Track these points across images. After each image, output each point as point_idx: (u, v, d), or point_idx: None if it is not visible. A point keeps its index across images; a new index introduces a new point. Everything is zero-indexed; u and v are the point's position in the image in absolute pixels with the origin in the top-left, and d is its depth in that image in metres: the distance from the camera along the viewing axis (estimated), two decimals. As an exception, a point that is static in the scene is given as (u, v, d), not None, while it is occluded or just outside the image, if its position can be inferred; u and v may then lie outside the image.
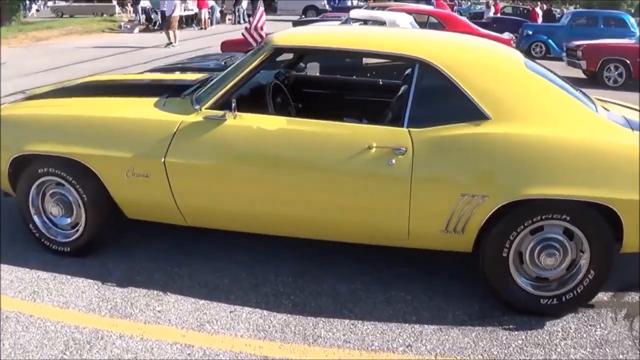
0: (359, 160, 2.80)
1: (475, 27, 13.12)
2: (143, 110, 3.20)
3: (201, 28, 20.67)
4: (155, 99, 3.34)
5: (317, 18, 16.13)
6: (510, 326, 2.83)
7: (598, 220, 2.71)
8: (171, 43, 15.33)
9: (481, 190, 2.71)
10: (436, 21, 12.31)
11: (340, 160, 2.83)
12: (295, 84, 3.96)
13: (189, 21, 20.98)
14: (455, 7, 26.35)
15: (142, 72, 4.66)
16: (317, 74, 4.70)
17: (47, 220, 3.41)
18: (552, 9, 24.06)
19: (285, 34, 3.27)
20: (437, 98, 2.88)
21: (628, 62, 11.01)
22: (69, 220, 3.37)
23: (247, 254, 3.48)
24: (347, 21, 9.16)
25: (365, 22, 8.85)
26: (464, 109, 2.77)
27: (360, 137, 2.83)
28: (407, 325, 2.84)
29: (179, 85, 3.64)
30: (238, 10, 23.02)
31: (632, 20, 16.50)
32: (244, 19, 23.33)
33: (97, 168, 3.11)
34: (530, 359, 2.60)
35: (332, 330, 2.79)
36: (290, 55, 4.02)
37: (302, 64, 4.30)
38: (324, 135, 2.89)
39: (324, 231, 3.08)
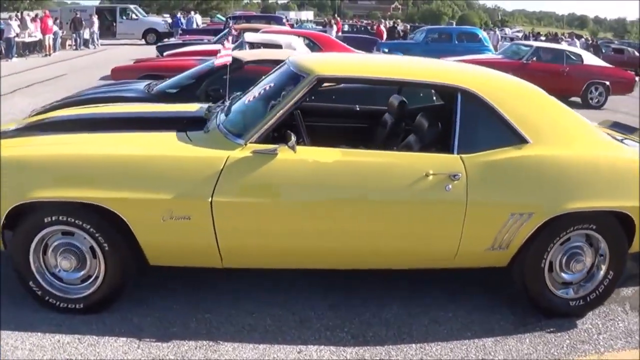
0: (417, 188, 2.94)
1: (350, 48, 13.85)
2: (172, 147, 2.98)
3: (45, 55, 19.15)
4: (172, 134, 3.13)
5: (180, 42, 15.62)
6: (551, 329, 3.16)
7: (616, 227, 3.17)
8: None
9: (528, 209, 3.01)
10: (313, 43, 12.76)
11: (400, 189, 2.94)
12: None
13: (32, 48, 19.36)
14: (294, 26, 27.03)
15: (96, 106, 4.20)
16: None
17: (50, 276, 2.98)
18: (396, 26, 25.94)
19: (327, 63, 3.28)
20: (480, 124, 3.12)
21: None
22: (79, 274, 2.99)
23: (267, 291, 3.38)
24: (241, 45, 9.13)
25: (260, 45, 8.90)
26: (507, 134, 3.07)
27: (416, 165, 2.97)
28: (467, 341, 3.03)
29: (184, 118, 3.45)
30: (78, 36, 21.80)
31: (483, 34, 18.30)
32: (87, 44, 22.20)
33: (126, 213, 2.82)
34: (585, 356, 2.94)
35: (407, 357, 2.86)
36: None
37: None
38: (382, 165, 2.97)
39: (373, 260, 3.15)
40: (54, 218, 2.85)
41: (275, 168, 2.86)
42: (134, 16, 26.69)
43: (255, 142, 2.92)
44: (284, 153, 2.87)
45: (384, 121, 3.95)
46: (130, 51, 19.55)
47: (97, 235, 2.88)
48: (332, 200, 2.93)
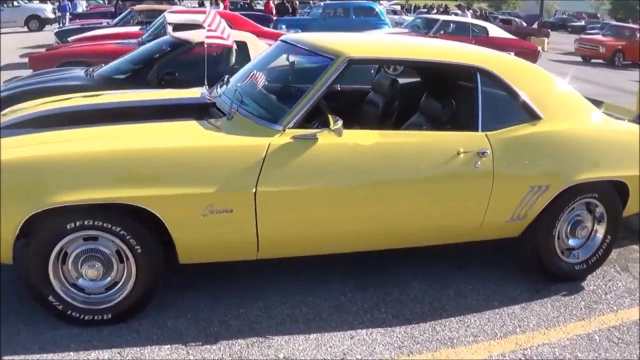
0: (451, 166, 3.03)
1: (259, 26, 13.63)
2: (202, 136, 2.81)
3: None
4: (191, 122, 2.96)
5: (78, 26, 14.34)
6: (564, 293, 3.43)
7: (613, 194, 3.48)
8: None
9: (545, 181, 3.22)
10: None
11: (435, 168, 3.02)
12: None
13: None
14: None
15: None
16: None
17: (71, 288, 2.71)
18: (285, 2, 25.50)
19: (357, 45, 3.23)
20: (499, 102, 3.26)
21: None
22: (104, 282, 2.75)
23: (287, 280, 3.32)
24: (162, 25, 8.71)
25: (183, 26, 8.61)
26: (523, 111, 3.25)
27: (448, 144, 3.06)
28: (498, 310, 3.21)
29: (191, 105, 3.26)
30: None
31: (380, 8, 18.67)
32: None
33: (162, 211, 2.63)
34: (602, 314, 3.23)
35: (452, 330, 2.98)
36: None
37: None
38: (418, 145, 3.03)
39: (409, 239, 3.22)
40: (77, 223, 2.58)
41: (317, 153, 2.80)
42: (15, 3, 24.37)
43: (292, 127, 2.83)
44: (323, 137, 2.81)
45: (371, 100, 3.96)
46: (18, 40, 17.59)
47: (127, 237, 2.66)
48: (374, 183, 2.94)
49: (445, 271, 3.57)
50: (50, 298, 2.68)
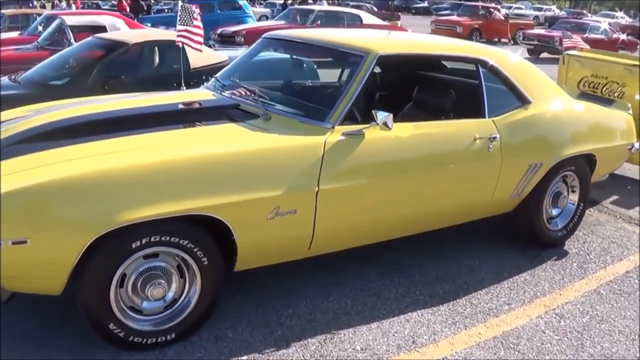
0: (471, 150, 3.34)
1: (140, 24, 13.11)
2: (255, 139, 2.79)
3: None
4: (231, 125, 2.93)
5: None
6: (555, 257, 3.90)
7: (585, 165, 4.02)
8: None
9: (540, 159, 3.64)
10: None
11: (460, 153, 3.31)
12: None
13: None
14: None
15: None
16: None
17: (129, 311, 2.58)
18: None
19: (385, 42, 3.38)
20: (497, 90, 3.60)
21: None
22: (165, 301, 2.65)
23: (310, 277, 3.38)
24: (62, 27, 8.14)
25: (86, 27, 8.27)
26: (517, 97, 3.64)
27: (467, 131, 3.35)
28: (512, 279, 3.58)
29: (214, 107, 3.19)
30: None
31: (244, 2, 18.63)
32: None
33: (230, 218, 2.59)
34: (595, 271, 3.74)
35: (487, 302, 3.28)
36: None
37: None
38: (445, 134, 3.28)
39: (439, 220, 3.48)
40: (144, 241, 2.45)
41: (366, 147, 2.93)
42: None
43: (339, 124, 2.92)
44: (368, 132, 2.94)
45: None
46: None
47: (195, 249, 2.58)
48: (414, 170, 3.15)
49: (450, 251, 3.86)
50: (111, 326, 2.51)
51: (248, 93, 3.32)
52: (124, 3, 23.19)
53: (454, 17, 23.38)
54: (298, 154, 2.76)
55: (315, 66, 5.72)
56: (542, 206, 3.86)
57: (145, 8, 21.93)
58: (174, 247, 2.54)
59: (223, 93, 3.43)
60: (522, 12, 33.37)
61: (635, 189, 5.41)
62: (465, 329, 3.01)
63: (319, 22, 15.27)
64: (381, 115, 2.88)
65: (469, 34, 21.32)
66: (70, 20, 8.08)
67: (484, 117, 3.47)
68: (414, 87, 3.80)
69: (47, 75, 5.21)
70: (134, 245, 2.44)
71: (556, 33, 18.80)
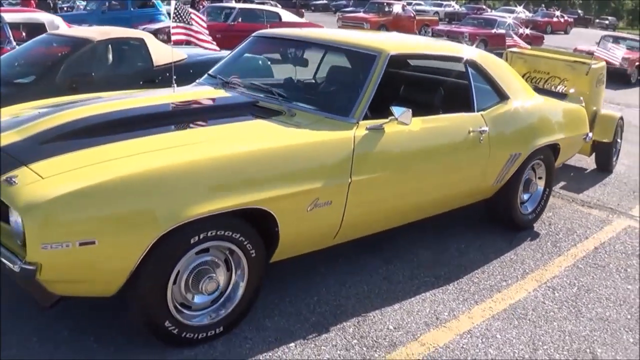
0: (468, 142, 3.70)
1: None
2: (290, 135, 2.95)
3: None
4: (261, 121, 3.08)
5: None
6: (529, 238, 4.37)
7: (550, 154, 4.52)
8: None
9: (518, 149, 4.07)
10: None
11: (460, 144, 3.67)
12: None
13: None
14: None
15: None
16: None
17: (181, 307, 2.67)
18: None
19: (394, 43, 3.61)
20: (481, 87, 3.97)
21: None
22: (213, 294, 2.75)
23: (317, 267, 3.56)
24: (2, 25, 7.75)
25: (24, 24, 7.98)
26: (497, 93, 4.05)
27: (463, 124, 3.70)
28: (500, 259, 3.98)
29: (235, 104, 3.30)
30: None
31: (157, 0, 18.37)
32: None
33: (278, 210, 2.74)
34: (568, 249, 4.23)
35: (486, 280, 3.65)
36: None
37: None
38: (446, 127, 3.61)
39: (440, 206, 3.82)
40: (201, 236, 2.54)
41: (387, 140, 3.18)
42: None
43: (362, 119, 3.14)
44: (387, 126, 3.19)
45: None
46: None
47: (245, 242, 2.71)
48: (427, 161, 3.46)
49: (436, 237, 4.20)
50: (167, 323, 2.58)
51: (260, 89, 3.47)
52: (31, 0, 22.01)
53: (361, 14, 23.94)
54: (333, 147, 2.96)
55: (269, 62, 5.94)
56: (518, 192, 4.30)
57: (52, 6, 21.03)
58: (227, 241, 2.65)
59: (233, 90, 3.54)
60: (422, 8, 34.68)
61: (577, 175, 6.08)
62: (477, 304, 3.34)
63: (240, 20, 15.39)
64: (400, 111, 3.13)
65: (377, 30, 22.08)
66: (9, 17, 7.68)
67: (474, 111, 3.83)
68: (411, 84, 4.10)
69: (9, 74, 4.99)
70: (192, 240, 2.52)
71: (465, 29, 20.04)
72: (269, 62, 6.01)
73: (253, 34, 4.15)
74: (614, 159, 6.31)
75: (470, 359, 2.83)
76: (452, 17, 34.27)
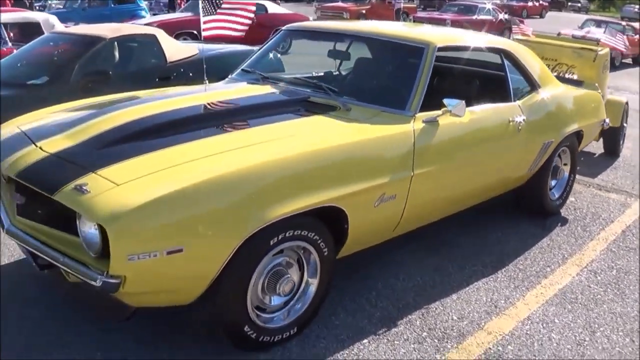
0: (509, 131, 3.80)
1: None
2: (352, 130, 2.98)
3: None
4: (317, 117, 3.11)
5: None
6: (560, 223, 4.50)
7: (575, 141, 4.65)
8: None
9: (550, 137, 4.19)
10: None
11: (503, 133, 3.77)
12: None
13: None
14: None
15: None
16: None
17: (257, 311, 2.68)
18: None
19: (438, 36, 3.66)
20: (516, 77, 4.06)
21: (195, 32, 12.94)
22: (287, 296, 2.78)
23: (366, 262, 3.62)
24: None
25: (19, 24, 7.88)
26: (529, 82, 4.14)
27: (505, 114, 3.79)
28: (538, 245, 4.10)
29: (287, 101, 3.32)
30: None
31: None
32: None
33: (349, 207, 2.77)
34: (598, 232, 4.38)
35: (531, 267, 3.76)
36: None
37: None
38: (491, 118, 3.70)
39: (484, 195, 3.93)
40: (280, 237, 2.56)
41: (442, 132, 3.25)
42: None
43: (418, 112, 3.20)
44: (440, 118, 3.25)
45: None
46: None
47: (319, 241, 2.74)
48: (475, 151, 3.56)
49: (475, 227, 4.28)
50: (246, 328, 2.60)
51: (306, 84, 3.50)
52: (7, 0, 21.56)
53: (340, 4, 23.78)
54: (396, 141, 3.01)
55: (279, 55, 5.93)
56: (548, 179, 4.42)
57: (28, 5, 20.76)
58: (303, 240, 2.68)
59: (275, 85, 3.56)
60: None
61: (587, 160, 6.24)
62: (528, 290, 3.45)
63: (228, 12, 15.33)
64: (453, 103, 3.19)
65: (356, 19, 22.00)
66: (4, 17, 7.49)
67: (511, 101, 3.92)
68: (450, 76, 4.17)
69: (18, 75, 4.89)
70: (272, 242, 2.53)
71: (447, 16, 20.22)
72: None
73: (283, 28, 4.16)
74: (621, 143, 6.50)
75: (537, 344, 2.93)
76: (426, 5, 34.43)
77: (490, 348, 2.87)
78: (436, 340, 2.91)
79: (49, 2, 20.12)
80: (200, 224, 2.29)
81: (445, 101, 3.20)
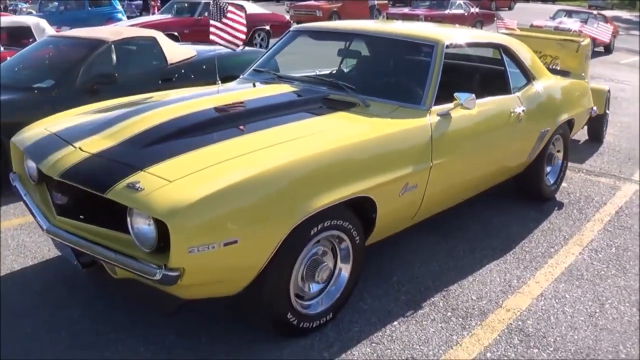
0: (511, 121, 4.04)
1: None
2: (378, 125, 3.19)
3: None
4: (345, 113, 3.29)
5: None
6: (556, 207, 4.78)
7: (567, 129, 4.93)
8: None
9: (547, 126, 4.45)
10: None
11: (507, 123, 4.02)
12: None
13: None
14: None
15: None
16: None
17: (297, 298, 2.84)
18: None
19: (444, 34, 3.85)
20: (514, 70, 4.31)
21: (176, 33, 13.12)
22: (322, 283, 2.96)
23: (393, 247, 3.86)
24: None
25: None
26: (526, 75, 4.40)
27: (507, 106, 4.03)
28: (540, 228, 4.36)
29: (309, 99, 3.49)
30: None
31: None
32: None
33: (379, 197, 2.97)
34: (594, 214, 4.66)
35: (537, 248, 4.01)
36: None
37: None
38: (494, 109, 3.93)
39: (489, 183, 4.16)
40: (319, 227, 2.73)
41: (455, 124, 3.46)
42: None
43: (432, 106, 3.41)
44: (453, 111, 3.46)
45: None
46: None
47: (352, 230, 2.92)
48: (484, 141, 3.80)
49: (479, 212, 4.53)
50: (289, 315, 2.76)
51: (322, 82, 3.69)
52: None
53: (312, 2, 23.82)
54: (417, 134, 3.23)
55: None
56: (544, 165, 4.69)
57: (2, 9, 20.58)
58: (338, 230, 2.85)
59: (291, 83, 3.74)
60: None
61: (573, 146, 6.52)
62: (537, 270, 3.70)
63: (206, 14, 15.27)
64: (464, 97, 3.40)
65: (328, 18, 21.93)
66: (5, 21, 7.50)
67: (511, 93, 4.16)
68: (454, 71, 4.38)
69: (21, 79, 4.95)
70: (312, 232, 2.70)
71: (420, 11, 20.53)
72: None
73: (291, 29, 4.32)
74: (604, 129, 6.84)
75: (553, 318, 3.17)
76: (396, 0, 34.73)
77: (511, 323, 3.10)
78: (461, 319, 3.12)
79: (19, 6, 19.88)
80: (254, 215, 2.43)
81: (457, 95, 3.41)
